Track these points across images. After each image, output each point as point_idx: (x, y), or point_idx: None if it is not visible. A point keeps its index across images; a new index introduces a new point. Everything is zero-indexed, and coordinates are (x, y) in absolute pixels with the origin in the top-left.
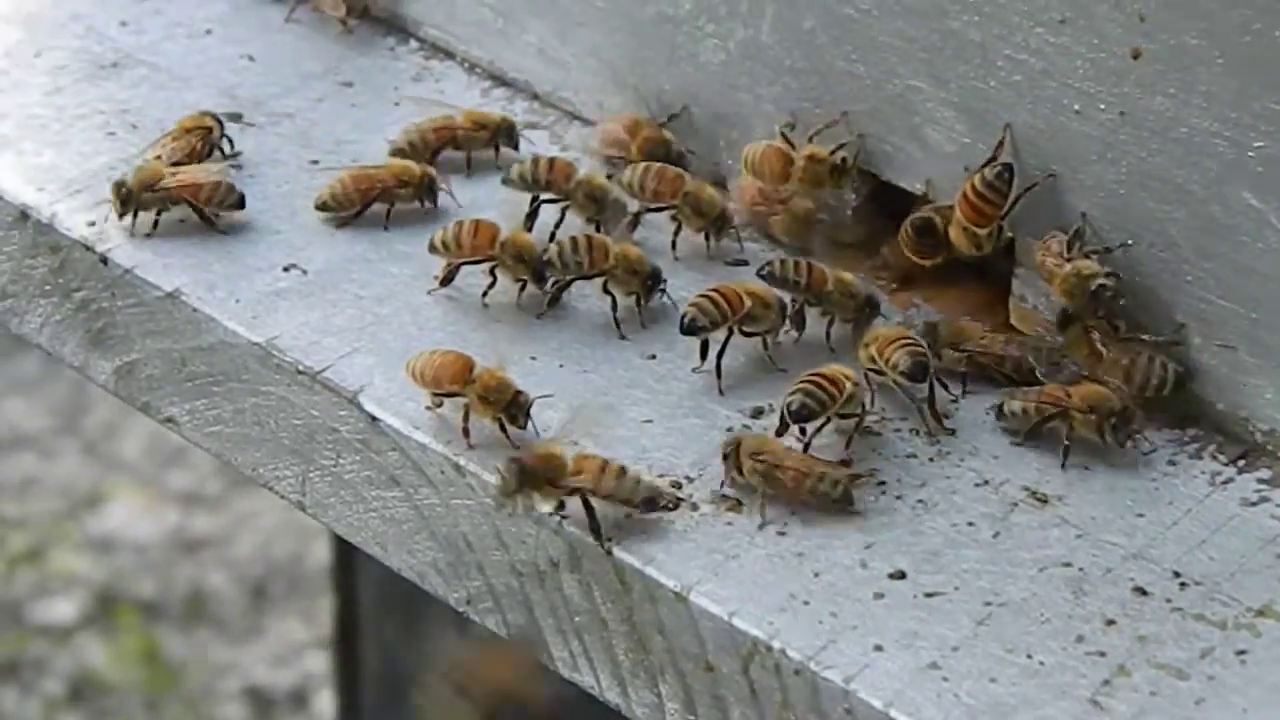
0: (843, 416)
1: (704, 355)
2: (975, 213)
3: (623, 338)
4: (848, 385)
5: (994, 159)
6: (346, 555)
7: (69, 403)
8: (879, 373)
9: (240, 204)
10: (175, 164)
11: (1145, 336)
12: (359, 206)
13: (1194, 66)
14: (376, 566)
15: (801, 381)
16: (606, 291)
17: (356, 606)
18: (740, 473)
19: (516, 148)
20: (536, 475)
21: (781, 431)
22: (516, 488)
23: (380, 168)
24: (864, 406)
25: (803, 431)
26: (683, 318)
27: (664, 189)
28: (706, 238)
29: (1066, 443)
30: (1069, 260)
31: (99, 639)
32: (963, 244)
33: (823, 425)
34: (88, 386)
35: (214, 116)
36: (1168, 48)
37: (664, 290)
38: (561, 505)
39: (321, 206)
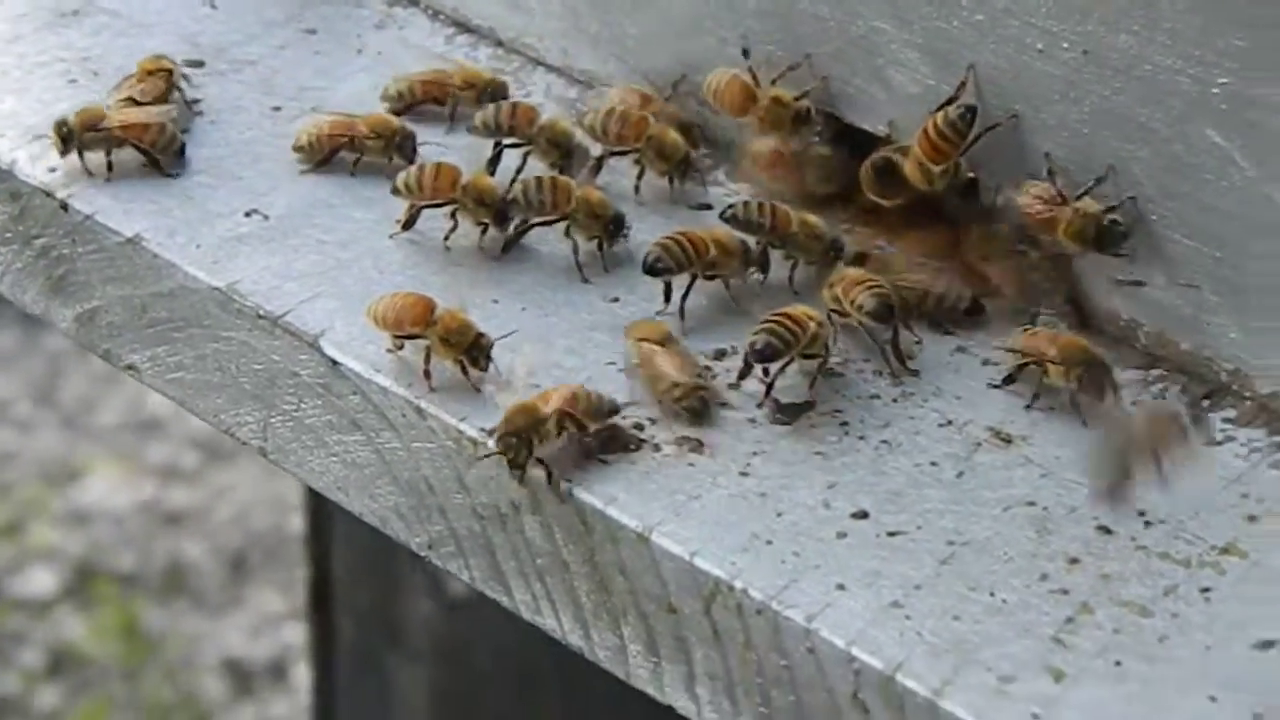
0: (806, 357)
1: (667, 298)
2: (934, 150)
3: (585, 281)
4: (811, 325)
5: (956, 99)
6: (319, 526)
7: (46, 376)
8: (843, 314)
9: (181, 151)
10: (140, 105)
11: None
12: (327, 152)
13: (1157, 3)
14: (349, 535)
15: (765, 321)
16: (568, 235)
17: (330, 577)
18: None
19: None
20: (527, 433)
21: (745, 372)
22: (525, 459)
23: (358, 118)
24: (828, 347)
25: (765, 371)
26: (646, 257)
27: (627, 132)
28: (670, 182)
29: (1036, 391)
30: (1067, 204)
31: (77, 612)
32: (916, 178)
33: (786, 365)
34: (65, 360)
35: (170, 60)
36: None
37: (626, 235)
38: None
39: (297, 148)
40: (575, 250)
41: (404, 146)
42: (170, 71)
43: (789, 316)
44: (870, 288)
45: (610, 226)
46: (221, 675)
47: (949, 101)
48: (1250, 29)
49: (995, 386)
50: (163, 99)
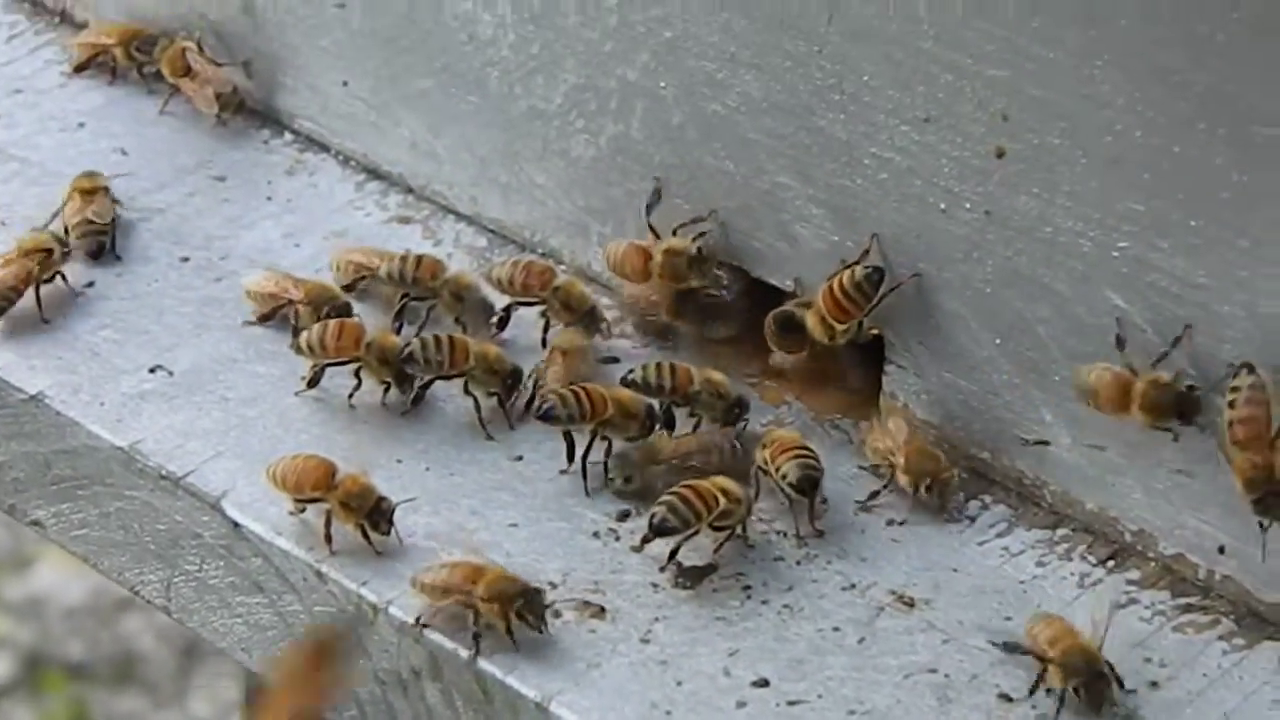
0: (716, 528)
1: (570, 456)
2: (838, 309)
3: (489, 438)
4: (722, 502)
5: (861, 260)
6: None
7: None
8: (767, 474)
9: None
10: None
11: None
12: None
13: (1057, 166)
14: None
15: (670, 494)
16: (468, 392)
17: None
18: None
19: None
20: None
21: (647, 540)
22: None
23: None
24: (744, 525)
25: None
26: (540, 404)
27: (533, 282)
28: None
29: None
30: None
31: (26, 702)
32: (819, 333)
33: (689, 537)
34: None
35: (56, 238)
36: (1031, 147)
37: (526, 389)
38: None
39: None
40: (476, 406)
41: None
42: (51, 252)
43: (696, 491)
44: (798, 457)
45: (508, 381)
46: None
47: (856, 262)
48: (1147, 194)
49: (896, 542)
50: (29, 282)
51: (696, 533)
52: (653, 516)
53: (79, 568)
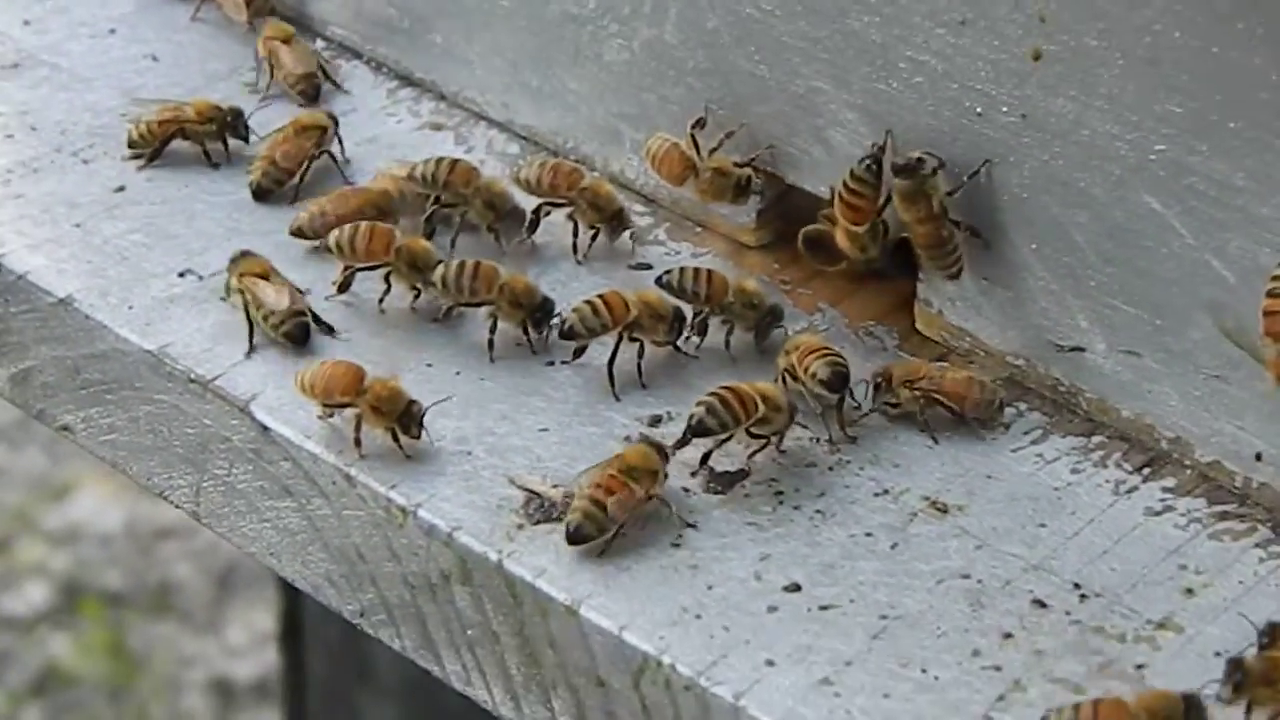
0: (753, 435)
1: (577, 355)
2: (851, 210)
3: (519, 344)
4: (762, 408)
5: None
6: None
7: None
8: (794, 379)
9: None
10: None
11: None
12: (159, 143)
13: (1094, 68)
14: None
15: (709, 395)
16: (491, 320)
17: (300, 610)
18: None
19: (246, 139)
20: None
21: (684, 442)
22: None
23: (186, 104)
24: (781, 434)
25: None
26: (561, 322)
27: (560, 182)
28: (595, 237)
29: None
30: None
31: (64, 631)
32: (848, 248)
33: (724, 441)
34: None
35: (330, 116)
36: (1068, 49)
37: (555, 321)
38: None
39: (130, 144)
40: (492, 329)
41: (235, 126)
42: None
43: (735, 394)
44: (825, 356)
45: (536, 315)
46: (208, 694)
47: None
48: (1186, 96)
49: (930, 447)
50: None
51: (731, 437)
52: (691, 418)
53: (116, 496)
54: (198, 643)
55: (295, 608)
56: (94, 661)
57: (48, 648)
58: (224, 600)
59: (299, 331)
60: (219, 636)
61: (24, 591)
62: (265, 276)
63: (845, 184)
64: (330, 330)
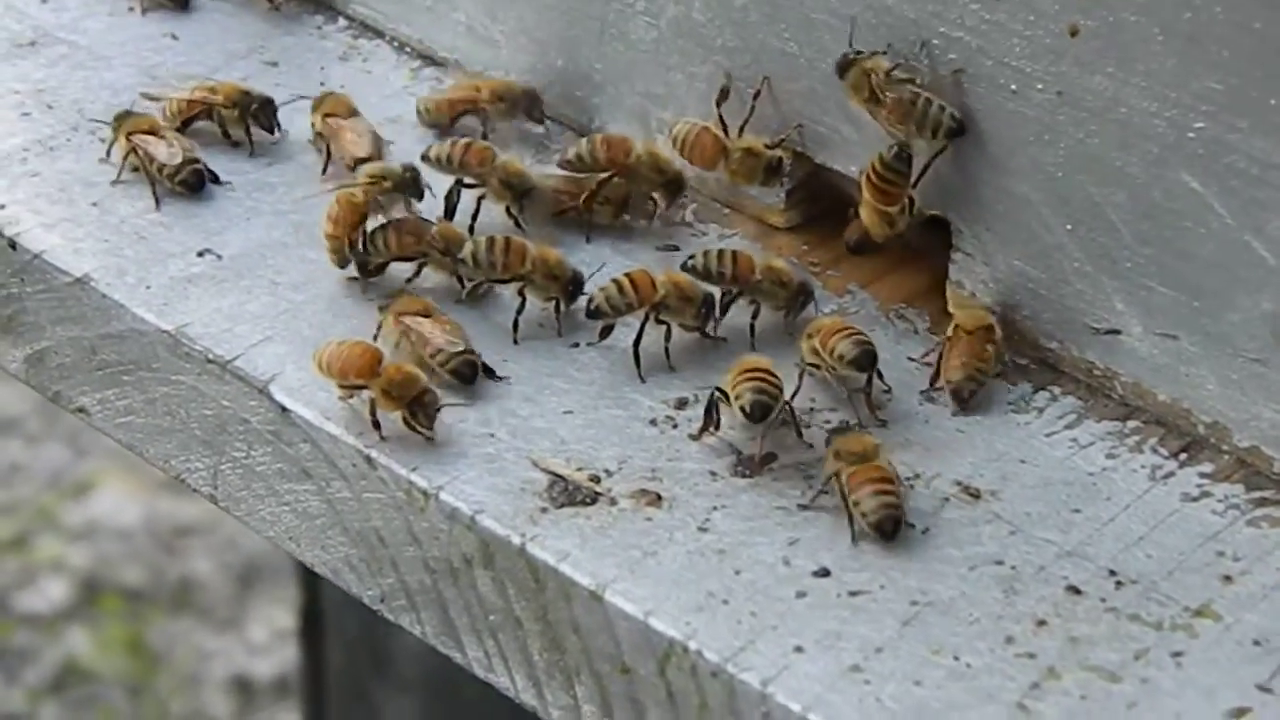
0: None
1: (603, 335)
2: (881, 194)
3: (542, 325)
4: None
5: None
6: None
7: None
8: (817, 366)
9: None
10: None
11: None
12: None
13: (1132, 44)
14: None
15: (746, 379)
16: (520, 295)
17: (320, 604)
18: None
19: (272, 131)
20: None
21: (708, 424)
22: None
23: (218, 87)
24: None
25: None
26: (588, 301)
27: (471, 160)
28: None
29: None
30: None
31: (84, 627)
32: (875, 226)
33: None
34: None
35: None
36: (1106, 25)
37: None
38: None
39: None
40: (520, 308)
41: (260, 116)
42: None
43: (769, 373)
44: (850, 335)
45: (569, 288)
46: (227, 691)
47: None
48: (1226, 73)
49: (961, 432)
50: None
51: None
52: (742, 407)
53: (137, 492)
54: (218, 640)
55: (315, 603)
56: (113, 658)
57: (67, 644)
58: (244, 597)
59: (194, 179)
60: (239, 633)
61: (44, 588)
62: (154, 133)
63: (875, 169)
64: (216, 178)
